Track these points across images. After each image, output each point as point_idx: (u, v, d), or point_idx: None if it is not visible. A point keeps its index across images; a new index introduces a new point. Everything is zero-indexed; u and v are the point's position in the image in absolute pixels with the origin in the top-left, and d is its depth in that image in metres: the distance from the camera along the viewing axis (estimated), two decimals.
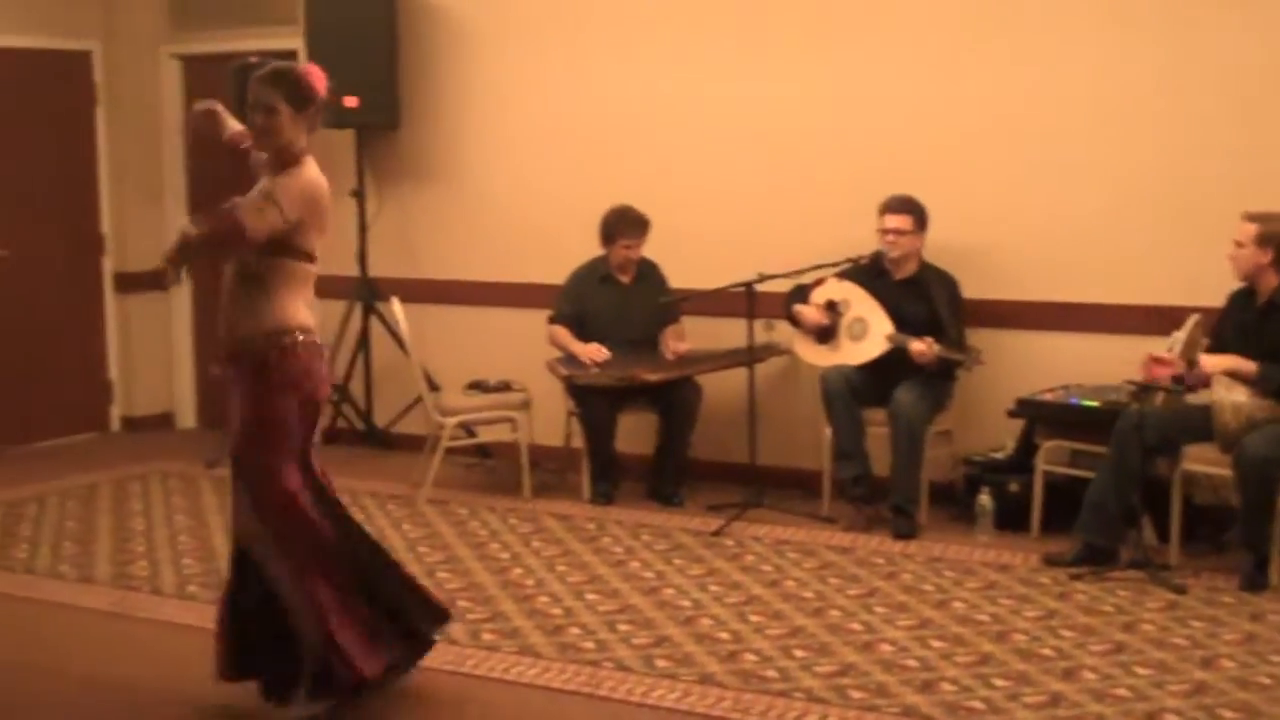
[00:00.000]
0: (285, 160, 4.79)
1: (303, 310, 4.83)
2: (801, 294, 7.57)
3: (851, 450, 7.27)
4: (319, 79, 4.85)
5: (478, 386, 8.13)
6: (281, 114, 4.77)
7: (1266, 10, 6.99)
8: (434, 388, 8.39)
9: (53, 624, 6.05)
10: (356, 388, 9.32)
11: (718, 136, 8.20)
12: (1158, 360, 6.49)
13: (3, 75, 9.25)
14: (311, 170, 4.82)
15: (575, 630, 5.80)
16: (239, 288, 4.82)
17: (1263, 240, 6.37)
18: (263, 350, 4.76)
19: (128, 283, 9.91)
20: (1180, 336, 6.65)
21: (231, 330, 4.83)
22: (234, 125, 5.30)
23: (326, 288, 9.22)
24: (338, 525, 4.95)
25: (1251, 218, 6.41)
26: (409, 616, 5.06)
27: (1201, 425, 6.43)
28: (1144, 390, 6.52)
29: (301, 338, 4.79)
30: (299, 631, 4.82)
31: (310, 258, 4.83)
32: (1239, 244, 6.43)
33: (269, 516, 4.81)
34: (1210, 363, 6.43)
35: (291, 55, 9.09)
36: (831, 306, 7.46)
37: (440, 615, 5.19)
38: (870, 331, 7.32)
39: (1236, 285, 6.58)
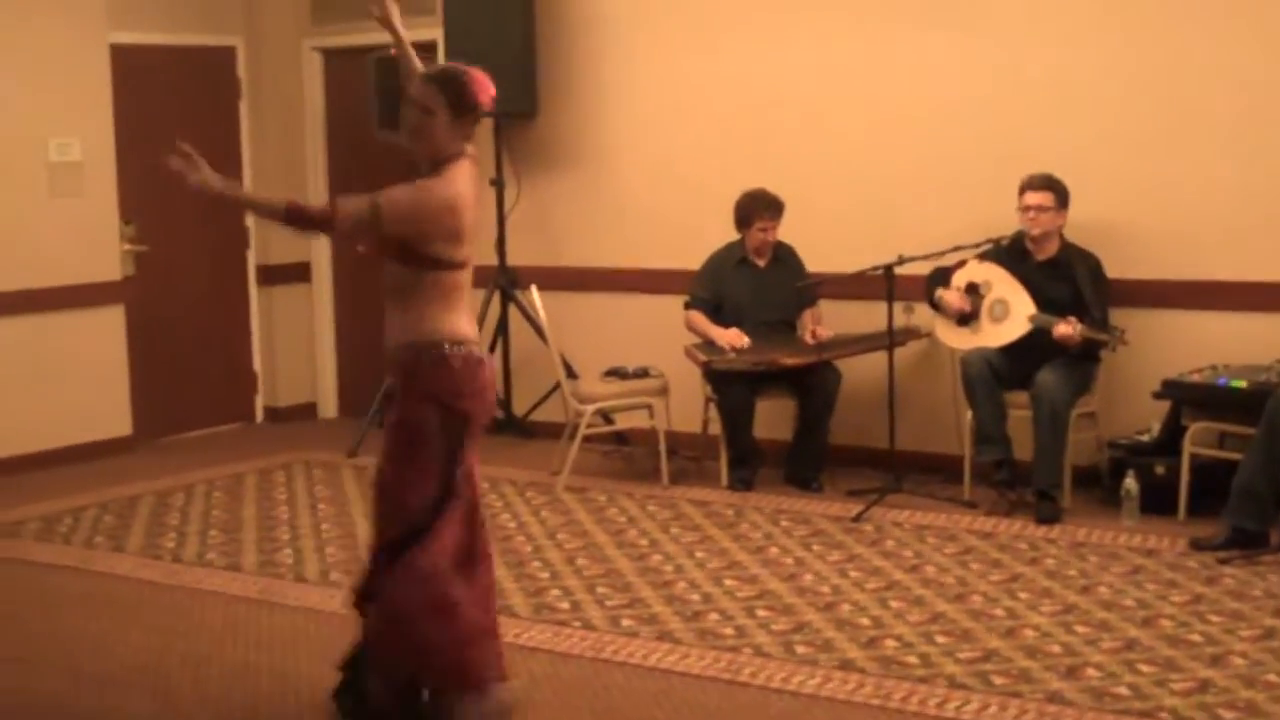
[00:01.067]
0: (435, 163, 4.64)
1: (451, 321, 4.61)
2: (942, 276, 7.49)
3: (993, 434, 7.19)
4: (484, 88, 4.65)
5: (615, 373, 8.15)
6: (438, 117, 4.61)
7: None
8: (572, 375, 8.43)
9: (200, 612, 6.14)
10: (495, 375, 9.37)
11: (855, 118, 8.14)
12: None
13: (150, 72, 9.43)
14: (449, 180, 4.59)
15: (714, 616, 5.79)
16: (389, 300, 4.73)
17: None
18: (408, 362, 4.60)
19: (271, 275, 10.07)
20: None
21: (386, 342, 4.71)
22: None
23: None
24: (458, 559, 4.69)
25: None
26: None
27: None
28: None
29: (448, 349, 4.58)
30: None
31: (450, 266, 4.60)
32: None
33: (393, 524, 4.63)
34: None
35: (430, 46, 9.19)
36: (973, 288, 7.37)
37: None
38: (1012, 313, 7.22)
39: None
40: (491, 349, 9.25)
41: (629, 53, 8.88)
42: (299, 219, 4.54)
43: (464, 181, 4.63)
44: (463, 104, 4.63)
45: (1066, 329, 6.98)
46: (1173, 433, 7.04)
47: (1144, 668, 5.09)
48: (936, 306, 7.48)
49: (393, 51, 5.20)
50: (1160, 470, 7.01)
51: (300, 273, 10.17)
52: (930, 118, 7.90)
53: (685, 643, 5.50)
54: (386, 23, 5.18)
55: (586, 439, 8.02)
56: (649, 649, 5.46)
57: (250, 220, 9.99)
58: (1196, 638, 5.38)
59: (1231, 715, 4.67)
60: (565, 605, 5.99)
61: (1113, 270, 7.27)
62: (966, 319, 7.38)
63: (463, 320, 4.63)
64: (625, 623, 5.75)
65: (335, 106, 10.12)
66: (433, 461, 4.58)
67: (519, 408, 9.35)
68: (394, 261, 4.61)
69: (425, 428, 4.57)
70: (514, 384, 9.39)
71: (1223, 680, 4.96)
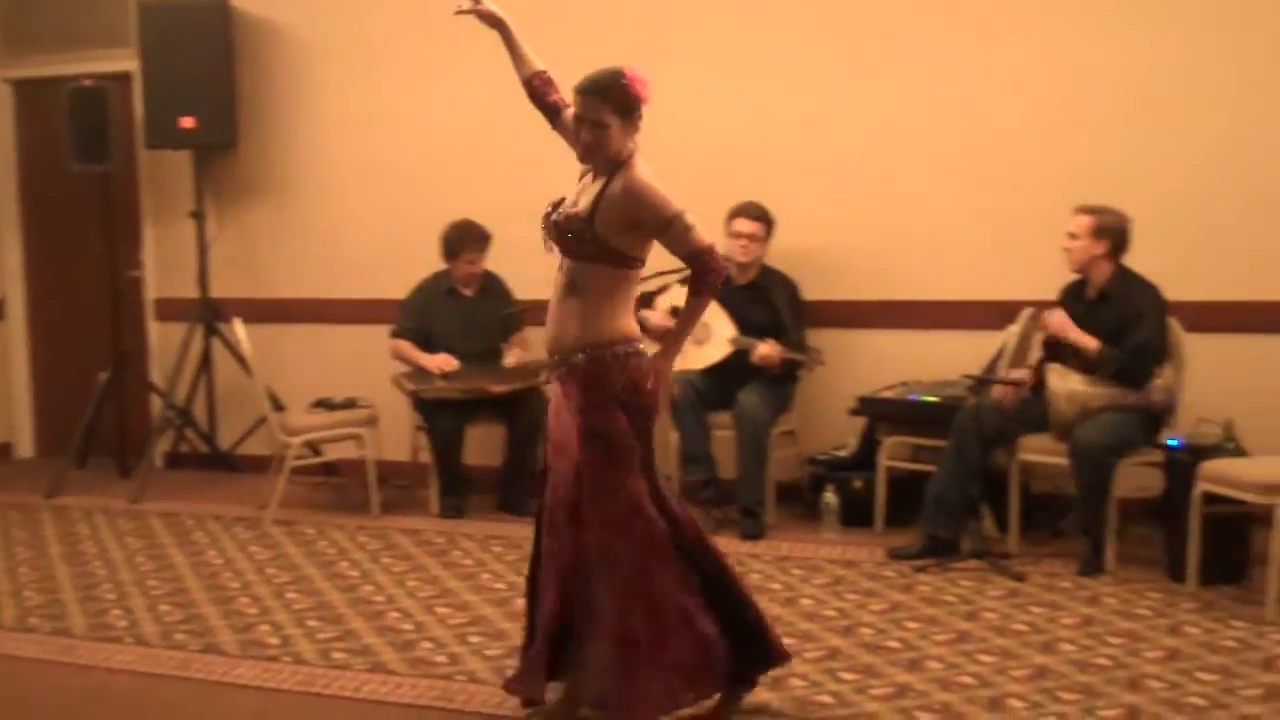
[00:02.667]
0: (616, 165, 4.66)
1: (627, 317, 4.69)
2: (645, 301, 7.60)
3: (698, 454, 7.33)
4: (642, 84, 4.67)
5: (323, 404, 8.08)
6: (611, 127, 4.63)
7: (1093, 12, 7.17)
8: (278, 407, 8.32)
9: None
10: (199, 410, 9.21)
11: (556, 146, 8.20)
12: (1011, 384, 6.61)
13: None
14: (646, 166, 4.67)
15: (427, 645, 5.77)
16: (565, 299, 4.72)
17: (1097, 232, 6.54)
18: (589, 369, 4.63)
19: None
20: (1015, 330, 6.79)
21: (558, 343, 4.72)
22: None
23: (167, 311, 9.26)
24: (682, 543, 4.76)
25: (1085, 210, 6.58)
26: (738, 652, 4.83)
27: (1037, 416, 6.58)
28: (980, 384, 6.66)
29: (624, 349, 4.64)
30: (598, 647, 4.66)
31: (640, 261, 4.70)
32: (1073, 236, 6.59)
33: (611, 532, 4.62)
34: (1059, 323, 6.58)
35: (125, 77, 9.02)
36: (676, 312, 7.51)
37: (775, 657, 4.93)
38: (713, 336, 7.38)
39: (1069, 278, 6.74)
40: (194, 384, 9.09)
41: (330, 82, 8.83)
42: (716, 285, 4.63)
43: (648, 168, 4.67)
44: (629, 106, 4.66)
45: (765, 350, 7.18)
46: (868, 447, 7.29)
47: (846, 675, 5.24)
48: (641, 328, 7.58)
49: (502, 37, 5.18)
50: (858, 484, 7.25)
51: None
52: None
53: (398, 673, 5.47)
54: (484, 16, 5.13)
55: (295, 471, 7.93)
56: (361, 681, 5.41)
57: None
58: (895, 644, 5.57)
59: (929, 717, 4.84)
60: (275, 640, 5.90)
61: (809, 292, 7.50)
62: None
63: (633, 319, 4.71)
64: (337, 655, 5.69)
65: (28, 140, 9.80)
66: (634, 459, 4.65)
67: (225, 441, 9.20)
68: (596, 263, 4.65)
69: (619, 432, 4.63)
70: (219, 418, 9.24)
71: (920, 684, 5.14)
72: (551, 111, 5.08)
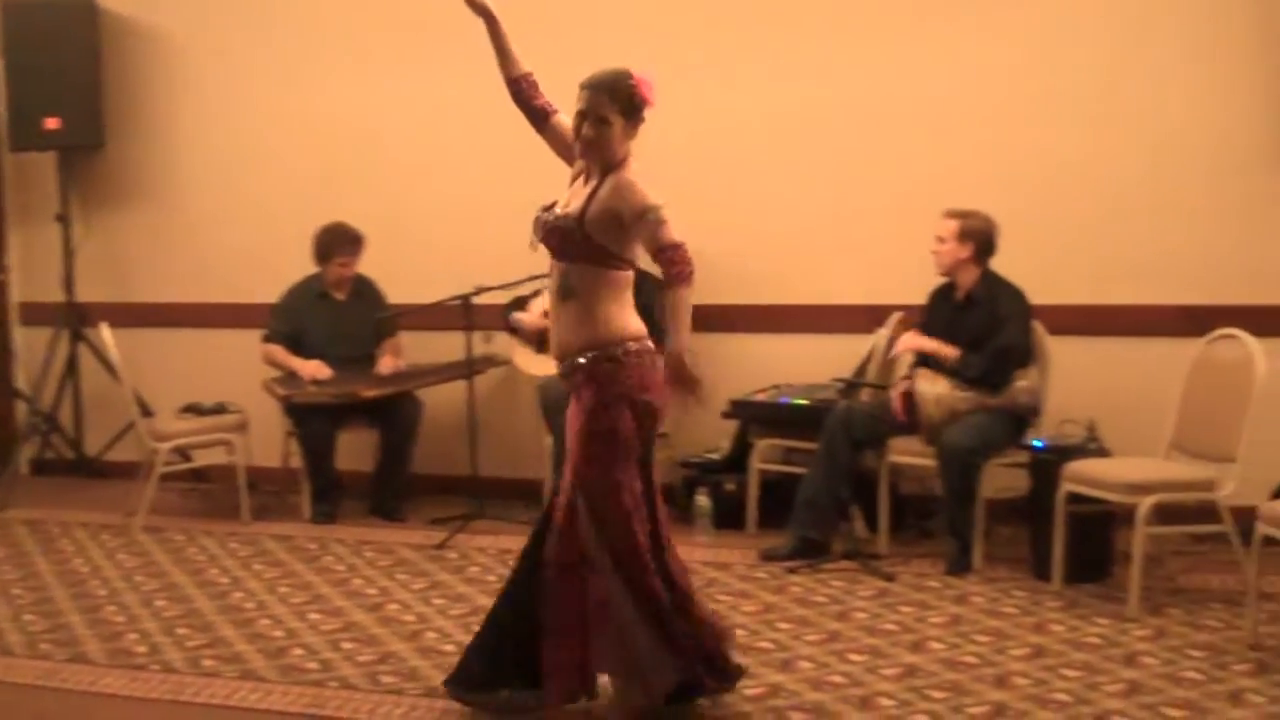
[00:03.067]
0: (611, 166, 4.68)
1: (629, 318, 4.72)
2: (519, 305, 7.62)
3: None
4: (648, 87, 4.70)
5: (192, 410, 7.99)
6: (614, 126, 4.65)
7: (953, 17, 7.28)
8: (147, 413, 8.23)
9: None
10: (65, 416, 9.07)
11: (431, 149, 8.20)
12: (878, 387, 6.70)
13: None
14: (638, 169, 4.71)
15: (298, 651, 5.73)
16: (562, 304, 4.73)
17: (963, 235, 6.64)
18: (594, 369, 4.65)
19: None
20: (884, 334, 6.88)
21: (563, 349, 4.73)
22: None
23: (32, 315, 9.11)
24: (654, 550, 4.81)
25: (952, 214, 6.67)
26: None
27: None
28: (850, 387, 6.73)
29: (634, 346, 4.67)
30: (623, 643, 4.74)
31: (631, 264, 4.72)
32: (940, 240, 6.69)
33: (607, 530, 4.69)
34: (909, 342, 6.69)
35: None
36: (548, 316, 7.51)
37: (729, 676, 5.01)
38: None
39: (938, 282, 6.83)
40: (60, 389, 8.96)
41: (200, 82, 8.74)
42: (686, 275, 4.61)
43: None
44: (634, 107, 4.68)
45: None
46: (741, 450, 7.35)
47: None
48: (515, 331, 7.61)
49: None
50: (730, 487, 7.30)
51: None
52: (505, 149, 7.98)
53: (269, 680, 5.42)
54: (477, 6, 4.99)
55: (164, 478, 7.84)
56: (231, 689, 5.36)
57: None
58: (767, 644, 5.62)
59: (801, 717, 4.88)
60: (143, 648, 5.82)
61: None
62: (544, 345, 7.52)
63: (636, 316, 4.74)
64: (206, 663, 5.63)
65: None
66: (634, 459, 4.71)
67: (91, 448, 9.07)
68: (584, 264, 4.67)
69: (624, 430, 4.66)
70: (86, 424, 9.12)
71: (791, 684, 5.18)
72: (539, 115, 5.03)
